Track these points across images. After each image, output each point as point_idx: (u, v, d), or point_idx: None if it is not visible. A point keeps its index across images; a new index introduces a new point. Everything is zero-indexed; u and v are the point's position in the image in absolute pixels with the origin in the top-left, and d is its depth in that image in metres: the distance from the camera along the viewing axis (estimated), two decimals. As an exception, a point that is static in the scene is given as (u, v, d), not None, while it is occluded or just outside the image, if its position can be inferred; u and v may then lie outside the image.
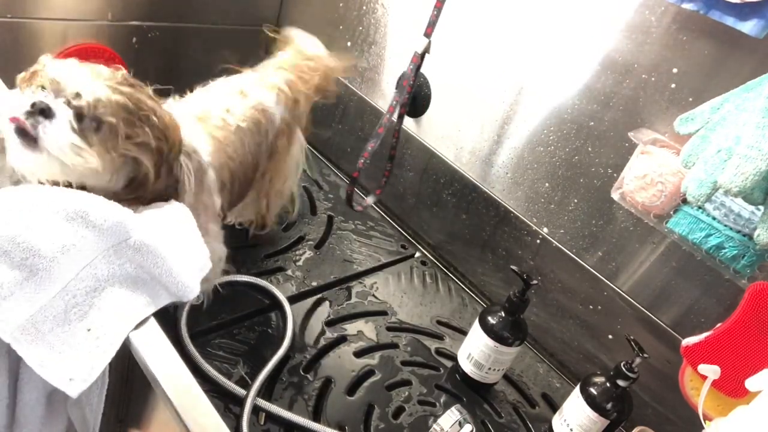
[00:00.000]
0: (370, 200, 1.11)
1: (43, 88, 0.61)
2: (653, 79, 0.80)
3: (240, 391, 0.72)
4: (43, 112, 0.59)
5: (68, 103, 0.60)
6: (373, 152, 0.94)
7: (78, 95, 0.60)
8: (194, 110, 0.79)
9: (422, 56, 0.93)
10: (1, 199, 0.58)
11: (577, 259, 0.92)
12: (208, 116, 0.79)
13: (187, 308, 0.79)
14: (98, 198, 0.62)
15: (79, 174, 0.63)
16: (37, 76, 0.62)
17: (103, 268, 0.61)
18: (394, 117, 0.98)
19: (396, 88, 1.12)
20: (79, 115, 0.60)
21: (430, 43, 0.91)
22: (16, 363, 0.62)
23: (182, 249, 0.66)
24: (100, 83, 0.62)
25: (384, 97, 1.16)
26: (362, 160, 0.94)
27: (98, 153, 0.62)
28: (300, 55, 0.96)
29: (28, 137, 0.59)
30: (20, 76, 0.64)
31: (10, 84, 0.79)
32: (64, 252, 0.57)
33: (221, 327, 0.81)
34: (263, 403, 0.72)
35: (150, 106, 0.65)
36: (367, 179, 1.16)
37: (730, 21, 0.67)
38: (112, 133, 0.62)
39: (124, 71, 0.66)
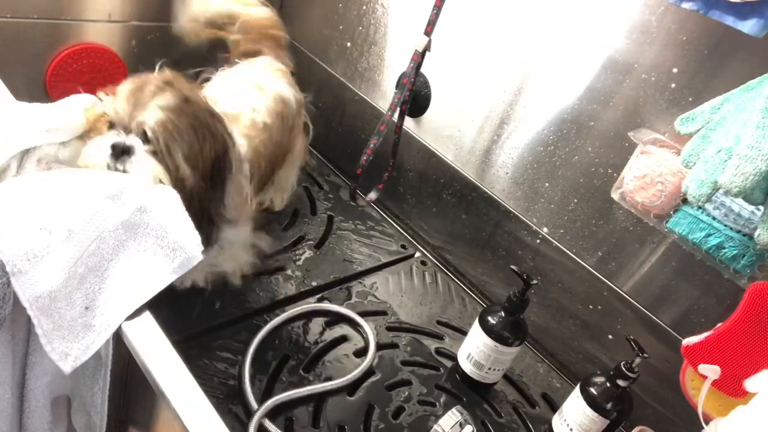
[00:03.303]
0: (373, 195, 1.11)
1: (111, 124, 0.69)
2: (653, 79, 0.80)
3: (246, 399, 0.72)
4: (123, 151, 0.67)
5: (142, 134, 0.67)
6: (375, 149, 0.95)
7: (142, 124, 0.66)
8: (225, 110, 0.83)
9: (422, 55, 0.93)
10: (20, 185, 0.61)
11: (577, 259, 0.92)
12: (239, 117, 0.84)
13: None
14: (111, 174, 0.65)
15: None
16: (104, 115, 0.69)
17: (110, 243, 0.62)
18: (395, 115, 0.99)
19: (396, 88, 1.12)
20: (154, 140, 0.67)
21: (430, 41, 0.91)
22: (21, 370, 0.62)
23: (181, 223, 0.67)
24: (154, 108, 0.67)
25: (384, 97, 1.16)
26: (365, 157, 0.95)
27: (183, 171, 0.68)
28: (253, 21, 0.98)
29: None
30: (92, 116, 0.71)
31: (11, 84, 0.79)
32: (88, 221, 0.60)
33: (222, 327, 0.81)
34: (266, 420, 0.72)
35: (207, 119, 0.71)
36: (366, 178, 1.16)
37: (729, 21, 0.67)
38: (185, 149, 0.68)
39: (168, 75, 0.71)
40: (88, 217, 0.60)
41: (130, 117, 0.67)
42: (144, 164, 0.67)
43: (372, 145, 0.94)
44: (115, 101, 0.68)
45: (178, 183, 0.69)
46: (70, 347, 0.58)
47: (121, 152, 0.67)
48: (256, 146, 0.83)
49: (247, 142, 0.82)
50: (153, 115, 0.66)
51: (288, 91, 0.93)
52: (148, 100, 0.67)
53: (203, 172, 0.70)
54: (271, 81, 0.92)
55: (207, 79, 0.94)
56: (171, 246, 0.64)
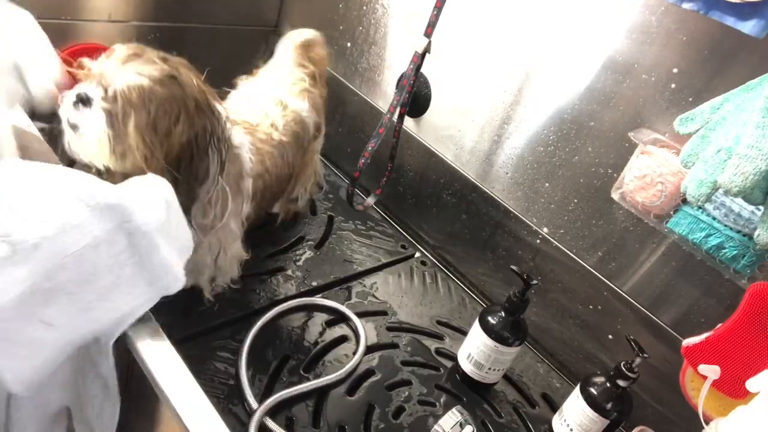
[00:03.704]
0: (370, 200, 1.11)
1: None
2: (653, 79, 0.80)
3: (244, 396, 0.72)
4: (83, 101, 0.65)
5: (105, 93, 0.64)
6: (373, 152, 0.95)
7: (110, 83, 0.64)
8: (243, 120, 0.83)
9: (422, 56, 0.93)
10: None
11: (577, 259, 0.92)
12: (255, 129, 0.84)
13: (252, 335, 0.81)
14: (95, 179, 0.60)
15: (116, 158, 0.67)
16: (90, 70, 0.67)
17: (88, 259, 0.56)
18: (395, 117, 0.98)
19: (396, 88, 1.12)
20: (111, 100, 0.64)
21: (430, 43, 0.91)
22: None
23: (171, 231, 0.63)
24: (132, 72, 0.64)
25: (384, 97, 1.16)
26: (363, 160, 0.95)
27: (131, 140, 0.65)
28: (300, 44, 0.99)
29: (73, 124, 0.66)
30: (82, 71, 0.69)
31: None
32: (61, 234, 0.54)
33: (222, 326, 0.81)
34: (267, 419, 0.72)
35: (189, 105, 0.68)
36: (367, 180, 1.16)
37: (730, 21, 0.67)
38: (143, 122, 0.65)
39: (172, 58, 0.69)
40: (62, 228, 0.54)
41: (110, 74, 0.65)
42: (95, 119, 0.65)
43: (370, 148, 0.94)
44: (108, 58, 0.66)
45: (128, 152, 0.66)
46: (19, 366, 0.54)
47: (81, 101, 0.65)
48: (265, 162, 0.84)
49: (256, 155, 0.81)
50: (127, 77, 0.64)
51: (308, 113, 0.94)
52: (135, 65, 0.65)
53: (167, 155, 0.67)
54: (294, 101, 0.92)
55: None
56: (155, 268, 0.60)
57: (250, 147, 0.80)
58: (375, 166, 1.08)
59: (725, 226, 0.73)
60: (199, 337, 0.79)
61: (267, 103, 0.89)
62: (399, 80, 1.12)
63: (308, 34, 1.00)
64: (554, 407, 0.89)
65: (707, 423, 0.68)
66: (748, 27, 0.66)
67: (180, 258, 0.65)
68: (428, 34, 0.91)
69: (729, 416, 0.63)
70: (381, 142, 0.94)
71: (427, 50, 0.92)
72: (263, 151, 0.83)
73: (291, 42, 0.98)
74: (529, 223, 0.97)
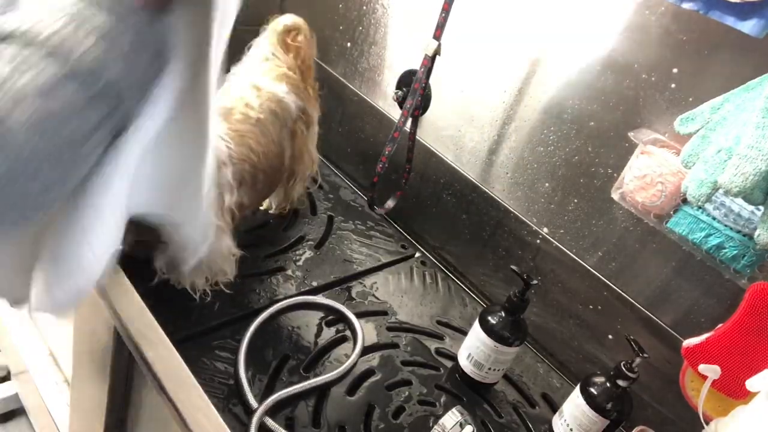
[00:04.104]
0: (391, 203, 1.11)
1: None
2: (653, 79, 0.80)
3: (243, 395, 0.72)
4: None
5: None
6: (390, 156, 0.95)
7: None
8: (220, 105, 0.83)
9: (432, 59, 0.93)
10: None
11: (577, 259, 0.92)
12: (230, 113, 0.83)
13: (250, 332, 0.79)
14: None
15: None
16: None
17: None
18: (408, 123, 0.99)
19: (396, 88, 1.12)
20: None
21: (440, 45, 0.92)
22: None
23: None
24: None
25: (384, 97, 1.16)
26: (380, 165, 0.95)
27: None
28: (279, 31, 0.96)
29: None
30: None
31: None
32: None
33: (222, 326, 0.81)
34: (267, 418, 0.72)
35: None
36: (369, 182, 1.16)
37: (730, 21, 0.67)
38: None
39: None
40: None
41: None
42: None
43: (387, 153, 0.95)
44: None
45: None
46: None
47: None
48: (249, 143, 0.82)
49: (235, 137, 0.80)
50: None
51: (287, 95, 0.92)
52: None
53: None
54: (270, 83, 0.91)
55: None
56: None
57: (228, 133, 0.79)
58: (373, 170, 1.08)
59: (725, 226, 0.73)
60: (199, 337, 0.79)
61: (241, 88, 0.88)
62: (400, 79, 1.12)
63: (287, 19, 0.95)
64: (554, 407, 0.89)
65: (707, 423, 0.68)
66: (748, 27, 0.66)
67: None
68: (437, 36, 0.91)
69: (729, 416, 0.63)
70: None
71: (437, 53, 0.93)
72: (243, 131, 0.82)
73: (271, 29, 0.95)
74: (529, 223, 0.97)
